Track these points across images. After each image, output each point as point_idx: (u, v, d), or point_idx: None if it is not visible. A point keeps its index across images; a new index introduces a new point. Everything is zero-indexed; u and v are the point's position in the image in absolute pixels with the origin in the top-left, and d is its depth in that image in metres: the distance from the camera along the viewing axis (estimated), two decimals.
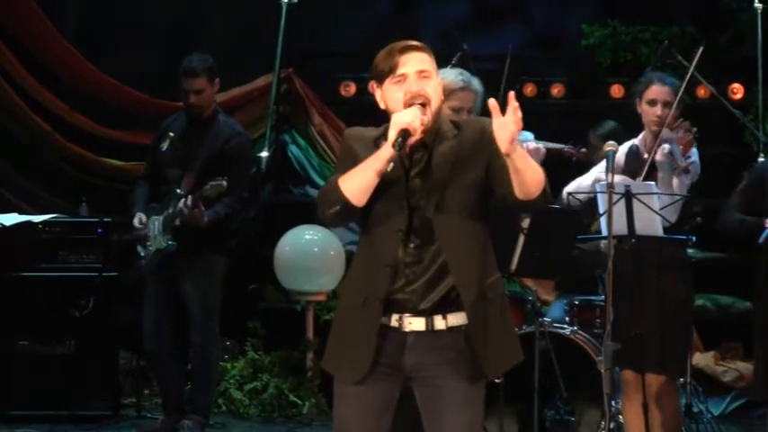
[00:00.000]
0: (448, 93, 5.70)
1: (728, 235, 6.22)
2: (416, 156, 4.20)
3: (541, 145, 6.35)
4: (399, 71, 4.16)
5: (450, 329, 4.21)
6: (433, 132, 4.19)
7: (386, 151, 4.09)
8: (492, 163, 4.17)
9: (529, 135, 6.36)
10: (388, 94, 4.20)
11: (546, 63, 9.82)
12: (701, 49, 6.36)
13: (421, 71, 4.16)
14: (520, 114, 4.00)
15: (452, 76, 5.76)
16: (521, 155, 4.03)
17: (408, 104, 4.14)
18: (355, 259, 4.35)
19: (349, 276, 4.38)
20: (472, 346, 4.19)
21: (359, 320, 4.22)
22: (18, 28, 9.02)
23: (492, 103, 4.00)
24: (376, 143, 4.21)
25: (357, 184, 4.15)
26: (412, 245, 4.18)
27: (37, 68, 9.07)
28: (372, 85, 4.30)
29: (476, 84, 5.73)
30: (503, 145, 3.99)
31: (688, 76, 6.29)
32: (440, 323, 4.21)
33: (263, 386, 8.23)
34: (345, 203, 4.16)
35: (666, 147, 6.03)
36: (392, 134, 4.08)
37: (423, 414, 4.29)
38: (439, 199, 4.16)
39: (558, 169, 6.60)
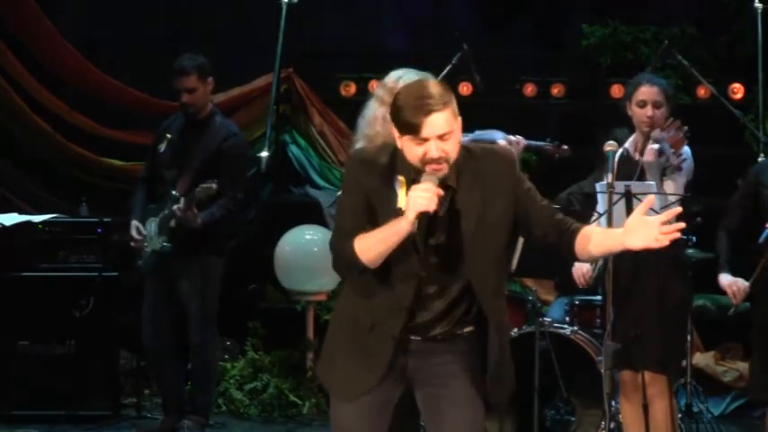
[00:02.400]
0: None
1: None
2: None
3: (521, 138, 6.35)
4: (422, 135, 4.07)
5: (451, 332, 4.25)
6: (452, 171, 4.14)
7: (405, 226, 4.04)
8: (525, 208, 4.20)
9: (498, 134, 6.37)
10: (405, 146, 4.13)
11: (546, 63, 9.81)
12: None
13: (442, 135, 4.08)
14: (675, 236, 4.02)
15: (416, 76, 5.78)
16: None
17: (424, 163, 4.07)
18: (360, 282, 4.27)
19: (350, 297, 4.33)
20: (488, 376, 4.27)
21: (366, 343, 4.22)
22: (18, 28, 9.02)
23: (649, 199, 4.04)
24: (388, 176, 4.16)
25: (376, 253, 4.13)
26: (427, 285, 4.19)
27: (37, 68, 9.08)
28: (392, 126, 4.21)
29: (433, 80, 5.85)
30: (634, 242, 4.05)
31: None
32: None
33: (263, 386, 8.23)
34: (364, 268, 4.17)
35: (655, 146, 6.04)
36: (410, 216, 4.02)
37: (424, 414, 4.29)
38: (471, 239, 4.14)
39: (543, 166, 6.60)
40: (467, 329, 4.25)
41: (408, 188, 4.12)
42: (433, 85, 4.14)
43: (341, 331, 4.33)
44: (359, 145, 5.44)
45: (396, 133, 4.15)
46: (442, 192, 4.07)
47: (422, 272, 4.16)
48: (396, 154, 4.18)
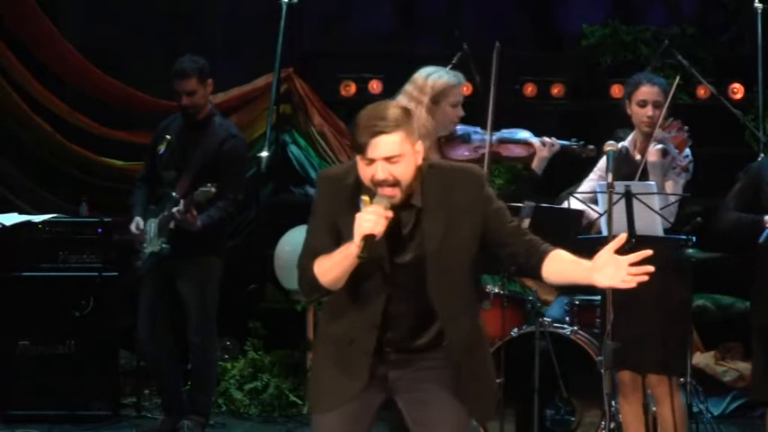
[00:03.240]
0: (447, 90, 5.88)
1: (726, 234, 6.22)
2: (403, 216, 4.16)
3: (555, 140, 6.31)
4: (368, 155, 4.08)
5: (430, 344, 4.26)
6: (417, 190, 4.15)
7: (354, 249, 4.05)
8: (494, 228, 4.19)
9: (525, 133, 6.34)
10: (359, 166, 4.14)
11: (546, 63, 9.81)
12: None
13: (389, 157, 4.07)
14: (643, 279, 4.02)
15: (445, 74, 5.97)
16: None
17: (375, 185, 4.08)
18: (333, 301, 4.29)
19: (327, 314, 4.36)
20: (461, 393, 4.25)
21: (347, 355, 4.25)
22: (19, 28, 9.02)
23: (621, 237, 4.02)
24: (353, 196, 4.15)
25: (333, 275, 4.13)
26: (397, 303, 4.20)
27: (38, 69, 9.07)
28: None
29: (462, 77, 6.04)
30: (601, 281, 4.04)
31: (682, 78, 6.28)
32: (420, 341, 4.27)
33: (263, 386, 8.23)
34: (327, 291, 4.18)
35: (659, 146, 6.04)
36: (356, 239, 4.03)
37: (410, 419, 4.32)
38: (433, 258, 4.14)
39: (565, 167, 6.56)
40: (444, 343, 4.26)
41: None
42: (391, 108, 4.13)
43: (323, 348, 4.36)
44: None
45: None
46: (390, 214, 4.05)
47: (389, 291, 4.17)
48: (358, 174, 4.17)
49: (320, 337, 4.42)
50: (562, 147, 6.29)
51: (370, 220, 4.02)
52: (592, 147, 6.53)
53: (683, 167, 6.02)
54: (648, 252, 4.03)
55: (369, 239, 4.02)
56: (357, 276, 4.14)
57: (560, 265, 4.15)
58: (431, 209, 4.15)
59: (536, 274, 4.20)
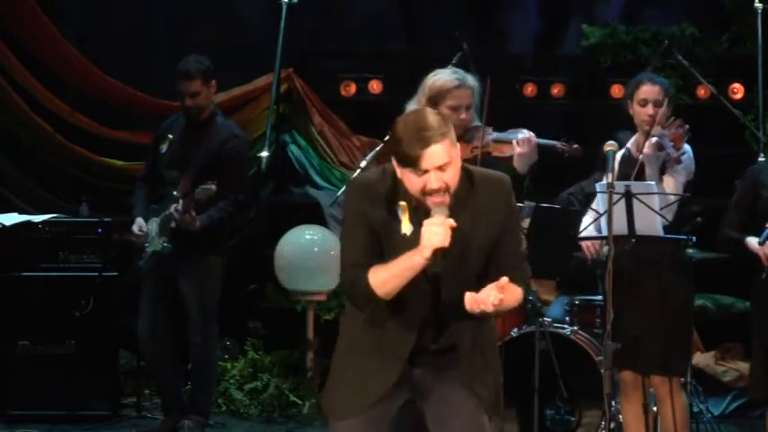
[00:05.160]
0: (444, 93, 5.80)
1: (726, 252, 6.24)
2: None
3: (533, 135, 6.18)
4: (422, 166, 4.04)
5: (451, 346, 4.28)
6: (452, 195, 4.14)
7: (420, 260, 4.05)
8: (499, 242, 4.20)
9: (522, 133, 6.28)
10: (405, 177, 4.11)
11: (546, 63, 9.80)
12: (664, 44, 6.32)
13: (441, 166, 4.05)
14: (490, 306, 4.04)
15: (446, 75, 5.87)
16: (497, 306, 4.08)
17: (425, 194, 4.07)
18: (369, 309, 4.28)
19: (358, 321, 4.32)
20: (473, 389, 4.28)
21: (376, 359, 4.24)
22: (19, 28, 9.02)
23: (503, 281, 4.04)
24: (390, 203, 4.14)
25: (392, 286, 4.12)
26: (432, 306, 4.21)
27: (38, 69, 9.07)
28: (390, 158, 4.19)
29: (471, 80, 5.90)
30: (470, 305, 4.04)
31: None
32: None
33: (263, 386, 8.23)
34: (380, 300, 4.16)
35: (654, 139, 6.03)
36: (426, 252, 4.02)
37: (431, 419, 4.33)
38: (457, 263, 4.14)
39: (552, 165, 6.53)
40: (457, 342, 4.28)
41: (411, 214, 4.12)
42: (432, 116, 4.11)
43: (348, 356, 4.34)
44: None
45: (395, 163, 4.13)
46: (454, 223, 4.05)
47: (430, 295, 4.18)
48: (396, 179, 4.16)
49: (346, 345, 4.37)
50: (540, 144, 6.11)
51: (439, 233, 4.01)
52: (576, 146, 6.34)
53: (675, 159, 6.01)
54: (505, 280, 4.06)
55: (438, 251, 4.02)
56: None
57: None
58: (459, 210, 4.14)
59: None
